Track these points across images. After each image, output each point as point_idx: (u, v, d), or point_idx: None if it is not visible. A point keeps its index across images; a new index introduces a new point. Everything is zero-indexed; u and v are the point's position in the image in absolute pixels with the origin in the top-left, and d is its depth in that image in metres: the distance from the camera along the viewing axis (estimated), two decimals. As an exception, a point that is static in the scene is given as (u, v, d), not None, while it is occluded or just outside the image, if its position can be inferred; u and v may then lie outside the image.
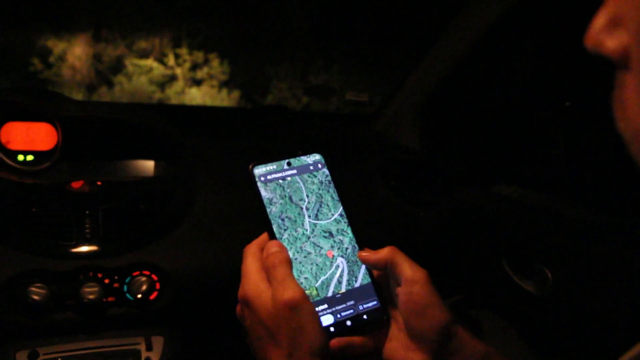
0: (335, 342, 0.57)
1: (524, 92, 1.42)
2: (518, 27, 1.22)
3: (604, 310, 0.99)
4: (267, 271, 0.56)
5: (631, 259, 0.97)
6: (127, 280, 1.01)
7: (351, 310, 0.61)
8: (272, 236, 0.61)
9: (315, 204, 0.64)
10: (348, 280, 0.62)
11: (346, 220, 0.65)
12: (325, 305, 0.60)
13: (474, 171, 1.42)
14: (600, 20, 0.31)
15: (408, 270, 0.57)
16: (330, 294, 0.60)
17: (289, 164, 0.64)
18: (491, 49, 1.27)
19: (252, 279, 0.56)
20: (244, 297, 0.56)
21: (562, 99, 1.26)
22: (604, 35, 0.31)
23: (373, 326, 0.61)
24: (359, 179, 1.30)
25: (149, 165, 1.12)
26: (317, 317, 0.54)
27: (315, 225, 0.63)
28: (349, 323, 0.60)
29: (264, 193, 0.62)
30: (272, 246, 0.58)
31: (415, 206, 1.30)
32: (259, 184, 0.62)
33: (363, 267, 0.63)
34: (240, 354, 0.68)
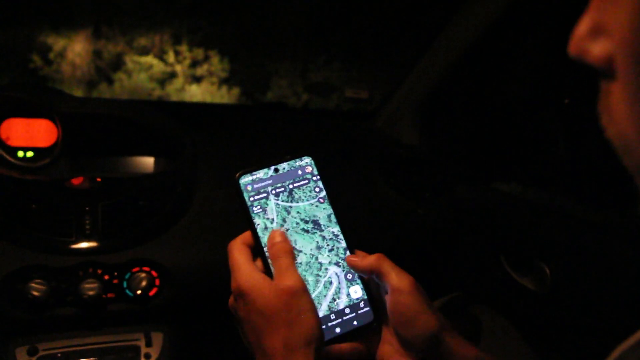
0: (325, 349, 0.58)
1: (523, 89, 1.42)
2: (518, 25, 1.22)
3: (602, 306, 0.99)
4: (272, 260, 0.58)
5: (630, 255, 0.97)
6: (126, 276, 1.02)
7: (340, 318, 0.61)
8: (257, 242, 0.61)
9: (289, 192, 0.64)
10: (346, 291, 0.62)
11: (338, 227, 0.64)
12: None
13: (473, 168, 1.42)
14: (583, 27, 0.31)
15: (394, 280, 0.57)
16: (325, 305, 0.61)
17: (276, 170, 0.63)
18: (491, 46, 1.27)
19: (244, 271, 0.57)
20: (238, 288, 0.57)
21: (561, 96, 1.26)
22: (587, 42, 0.30)
23: (363, 332, 0.61)
24: (359, 176, 1.30)
25: (148, 161, 1.13)
26: (314, 307, 0.55)
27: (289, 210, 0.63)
28: (338, 330, 0.60)
29: (249, 202, 0.62)
30: (276, 236, 0.60)
31: (414, 203, 1.30)
32: (244, 193, 0.62)
33: (356, 274, 0.63)
34: (238, 349, 0.69)
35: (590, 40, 0.30)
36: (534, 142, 1.39)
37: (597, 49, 0.30)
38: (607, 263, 0.99)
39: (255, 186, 0.62)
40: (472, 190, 1.34)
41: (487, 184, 1.35)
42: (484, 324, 1.22)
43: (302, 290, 0.55)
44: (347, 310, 0.61)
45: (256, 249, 0.61)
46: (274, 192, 0.62)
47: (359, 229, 1.19)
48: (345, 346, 0.59)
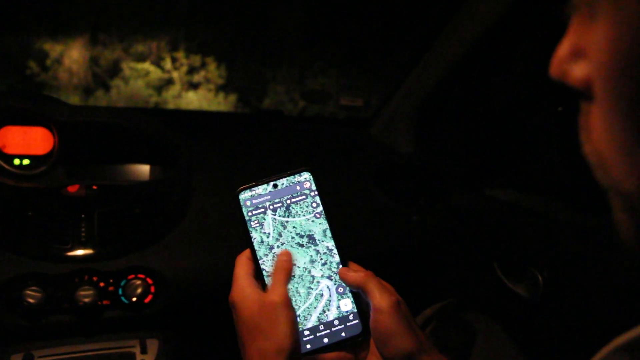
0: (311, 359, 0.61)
1: (517, 96, 1.43)
2: (511, 33, 1.23)
3: (594, 313, 1.00)
4: (271, 275, 0.62)
5: (623, 262, 0.98)
6: (122, 283, 1.02)
7: (329, 330, 0.62)
8: (254, 255, 0.63)
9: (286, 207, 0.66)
10: (336, 304, 0.63)
11: (332, 242, 0.65)
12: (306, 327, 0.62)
13: (467, 175, 1.43)
14: (563, 49, 0.31)
15: (376, 299, 0.59)
16: (314, 316, 0.62)
17: (275, 185, 0.65)
18: (485, 54, 1.28)
19: (239, 284, 0.61)
20: (231, 300, 0.61)
21: (555, 104, 1.27)
22: (568, 64, 0.31)
23: (351, 343, 0.62)
24: (354, 183, 1.31)
25: (144, 169, 1.13)
26: (293, 321, 0.58)
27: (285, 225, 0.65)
28: (326, 340, 0.62)
29: (247, 217, 0.64)
30: (281, 255, 0.63)
31: (409, 210, 1.30)
32: (243, 209, 0.64)
33: (347, 288, 0.64)
34: (233, 356, 0.69)
35: (571, 63, 0.31)
36: (528, 149, 1.40)
37: (577, 72, 0.30)
38: (599, 270, 1.00)
39: (254, 201, 0.64)
40: (467, 198, 1.35)
41: (482, 191, 1.36)
42: (477, 330, 1.22)
43: (284, 305, 0.58)
44: (336, 322, 0.62)
45: (255, 263, 0.63)
46: (271, 207, 0.65)
47: (354, 236, 1.20)
48: (332, 356, 0.61)
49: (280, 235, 0.64)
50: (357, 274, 0.62)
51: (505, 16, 1.15)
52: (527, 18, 1.19)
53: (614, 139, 0.29)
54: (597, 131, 0.30)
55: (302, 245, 0.64)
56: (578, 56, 0.30)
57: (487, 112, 1.49)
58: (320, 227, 0.65)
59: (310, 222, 0.65)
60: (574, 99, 0.33)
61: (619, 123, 0.28)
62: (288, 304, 0.58)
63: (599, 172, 0.31)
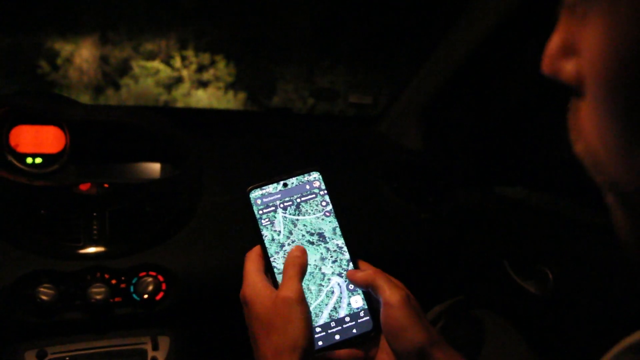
0: (323, 356, 0.61)
1: (527, 93, 1.43)
2: (520, 29, 1.23)
3: (604, 311, 0.99)
4: (283, 270, 0.62)
5: (631, 260, 0.97)
6: (133, 280, 1.03)
7: (340, 326, 0.63)
8: (265, 253, 0.64)
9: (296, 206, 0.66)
10: (347, 300, 0.64)
11: (342, 240, 0.66)
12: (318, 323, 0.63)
13: (476, 173, 1.43)
14: (553, 46, 0.31)
15: (386, 294, 0.60)
16: (326, 313, 0.63)
17: (285, 185, 0.66)
18: (493, 51, 1.27)
19: (250, 280, 0.61)
20: (243, 296, 0.61)
21: (565, 100, 1.26)
22: (559, 61, 0.30)
23: (362, 340, 0.63)
24: (362, 180, 1.31)
25: (155, 167, 1.14)
26: (307, 317, 0.58)
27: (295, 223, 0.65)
28: (337, 337, 0.62)
29: (258, 215, 0.65)
30: (294, 250, 0.63)
31: (417, 207, 1.30)
32: (254, 207, 0.65)
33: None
34: (244, 353, 0.70)
35: (562, 59, 0.30)
36: (537, 147, 1.40)
37: (569, 67, 0.30)
38: (609, 267, 1.00)
39: (265, 200, 0.65)
40: (475, 195, 1.35)
41: (490, 189, 1.36)
42: (487, 327, 1.22)
43: (298, 300, 0.58)
44: (347, 319, 0.63)
45: (265, 260, 0.64)
46: (282, 205, 0.65)
47: (362, 234, 1.20)
48: (343, 352, 0.62)
49: (290, 233, 0.64)
50: (365, 272, 0.63)
51: (514, 12, 1.15)
52: (536, 14, 1.19)
53: (608, 139, 0.28)
54: (589, 130, 0.30)
55: (312, 243, 0.64)
56: (569, 52, 0.30)
57: (495, 109, 1.48)
58: (330, 225, 0.66)
59: (320, 220, 0.66)
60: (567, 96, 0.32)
61: (613, 123, 0.27)
62: (302, 300, 0.58)
63: (592, 170, 0.31)
